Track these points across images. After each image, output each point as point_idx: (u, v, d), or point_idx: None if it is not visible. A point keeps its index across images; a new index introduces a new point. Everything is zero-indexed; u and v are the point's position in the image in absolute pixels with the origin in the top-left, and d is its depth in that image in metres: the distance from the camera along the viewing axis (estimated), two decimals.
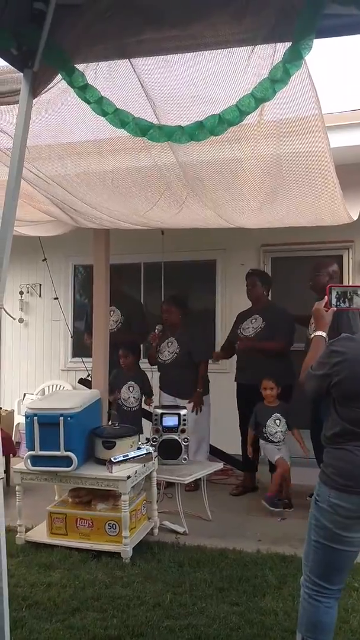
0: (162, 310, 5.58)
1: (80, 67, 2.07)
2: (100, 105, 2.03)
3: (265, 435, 4.95)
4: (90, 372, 5.77)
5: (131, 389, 5.48)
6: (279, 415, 4.95)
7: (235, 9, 1.78)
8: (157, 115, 2.23)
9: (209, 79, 2.11)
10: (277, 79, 1.81)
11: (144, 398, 5.59)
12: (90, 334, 5.78)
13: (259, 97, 1.84)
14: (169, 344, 5.47)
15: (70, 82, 1.99)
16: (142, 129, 2.02)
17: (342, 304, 2.55)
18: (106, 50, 2.03)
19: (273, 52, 1.90)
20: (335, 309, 2.54)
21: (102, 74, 2.13)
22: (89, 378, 5.76)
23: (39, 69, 2.06)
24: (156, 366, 5.64)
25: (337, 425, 2.29)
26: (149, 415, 5.51)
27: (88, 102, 2.04)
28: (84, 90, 2.01)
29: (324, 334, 2.50)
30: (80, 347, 6.35)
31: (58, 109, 2.39)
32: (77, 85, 2.00)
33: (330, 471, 2.29)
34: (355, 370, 2.26)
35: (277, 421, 4.96)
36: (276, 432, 4.94)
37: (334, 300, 2.54)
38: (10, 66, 2.18)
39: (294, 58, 1.78)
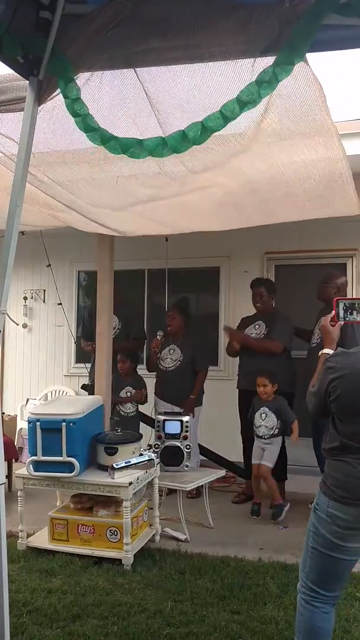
0: (167, 317, 5.57)
1: (85, 75, 2.09)
2: (85, 121, 2.02)
3: (253, 428, 4.88)
4: (90, 378, 5.76)
5: (128, 394, 5.47)
6: (266, 409, 4.83)
7: (238, 18, 1.79)
8: (160, 123, 2.25)
9: (213, 87, 2.12)
10: (265, 81, 1.79)
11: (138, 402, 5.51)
12: (88, 340, 5.79)
13: (245, 100, 1.83)
14: (171, 351, 5.46)
15: (64, 93, 2.00)
16: (123, 147, 2.01)
17: (349, 317, 2.55)
18: (111, 60, 2.06)
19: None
20: (342, 322, 2.54)
21: (107, 82, 2.15)
22: (89, 383, 5.75)
23: (44, 77, 2.08)
24: (154, 373, 5.60)
25: (336, 439, 2.30)
26: (147, 420, 5.51)
27: (75, 115, 2.03)
28: (73, 103, 2.01)
29: (331, 352, 2.47)
30: (84, 353, 6.35)
31: (63, 115, 2.40)
32: (71, 96, 2.00)
33: (330, 482, 2.29)
34: (352, 385, 2.26)
35: (263, 415, 4.83)
36: (260, 425, 4.83)
37: (341, 313, 2.54)
38: (16, 74, 2.21)
39: (285, 62, 1.78)
